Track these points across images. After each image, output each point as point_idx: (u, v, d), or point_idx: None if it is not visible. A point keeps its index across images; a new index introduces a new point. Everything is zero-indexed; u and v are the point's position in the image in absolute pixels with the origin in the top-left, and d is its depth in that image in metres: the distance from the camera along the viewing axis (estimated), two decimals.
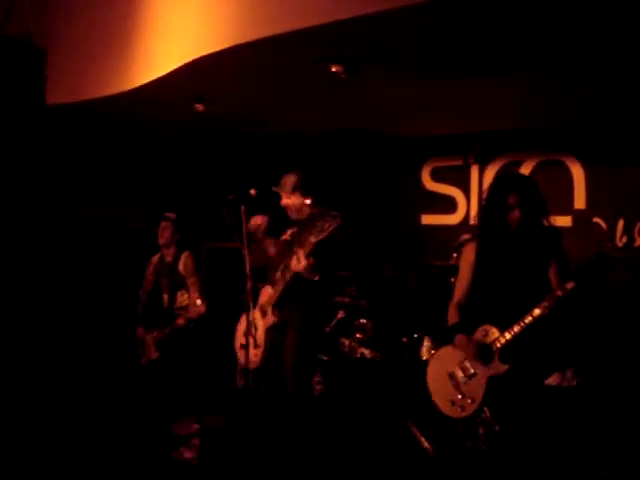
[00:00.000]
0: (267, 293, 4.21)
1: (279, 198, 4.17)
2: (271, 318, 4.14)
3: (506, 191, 3.24)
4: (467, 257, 3.46)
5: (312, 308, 4.03)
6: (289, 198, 4.11)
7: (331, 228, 3.67)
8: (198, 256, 5.45)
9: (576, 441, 4.02)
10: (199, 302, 4.96)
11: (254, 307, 4.11)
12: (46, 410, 4.79)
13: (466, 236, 4.81)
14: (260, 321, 4.19)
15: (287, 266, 3.96)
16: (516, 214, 3.22)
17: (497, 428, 3.32)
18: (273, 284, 4.16)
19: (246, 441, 4.20)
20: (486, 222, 3.37)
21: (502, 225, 3.26)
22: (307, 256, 3.78)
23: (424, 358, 4.82)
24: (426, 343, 4.93)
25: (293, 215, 4.16)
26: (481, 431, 3.51)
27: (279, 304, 4.10)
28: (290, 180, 4.10)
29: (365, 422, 4.71)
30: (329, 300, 4.57)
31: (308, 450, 3.98)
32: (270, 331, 4.15)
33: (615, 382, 4.42)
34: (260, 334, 4.15)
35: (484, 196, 3.47)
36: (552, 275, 3.22)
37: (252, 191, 3.99)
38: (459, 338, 3.39)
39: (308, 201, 4.08)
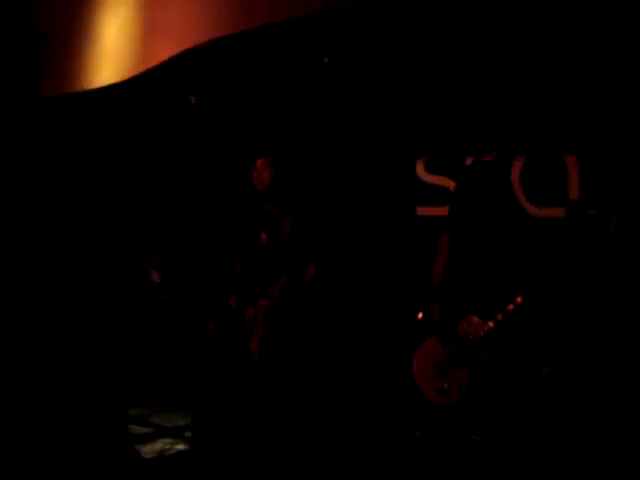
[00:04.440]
0: None
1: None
2: None
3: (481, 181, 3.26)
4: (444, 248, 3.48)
5: None
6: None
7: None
8: None
9: (566, 430, 4.04)
10: None
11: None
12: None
13: None
14: None
15: None
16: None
17: (486, 417, 3.35)
18: None
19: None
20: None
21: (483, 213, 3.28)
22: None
23: None
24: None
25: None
26: (471, 420, 3.53)
27: None
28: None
29: (352, 410, 4.72)
30: None
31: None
32: None
33: (605, 372, 4.43)
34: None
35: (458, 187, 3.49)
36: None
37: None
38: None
39: None
